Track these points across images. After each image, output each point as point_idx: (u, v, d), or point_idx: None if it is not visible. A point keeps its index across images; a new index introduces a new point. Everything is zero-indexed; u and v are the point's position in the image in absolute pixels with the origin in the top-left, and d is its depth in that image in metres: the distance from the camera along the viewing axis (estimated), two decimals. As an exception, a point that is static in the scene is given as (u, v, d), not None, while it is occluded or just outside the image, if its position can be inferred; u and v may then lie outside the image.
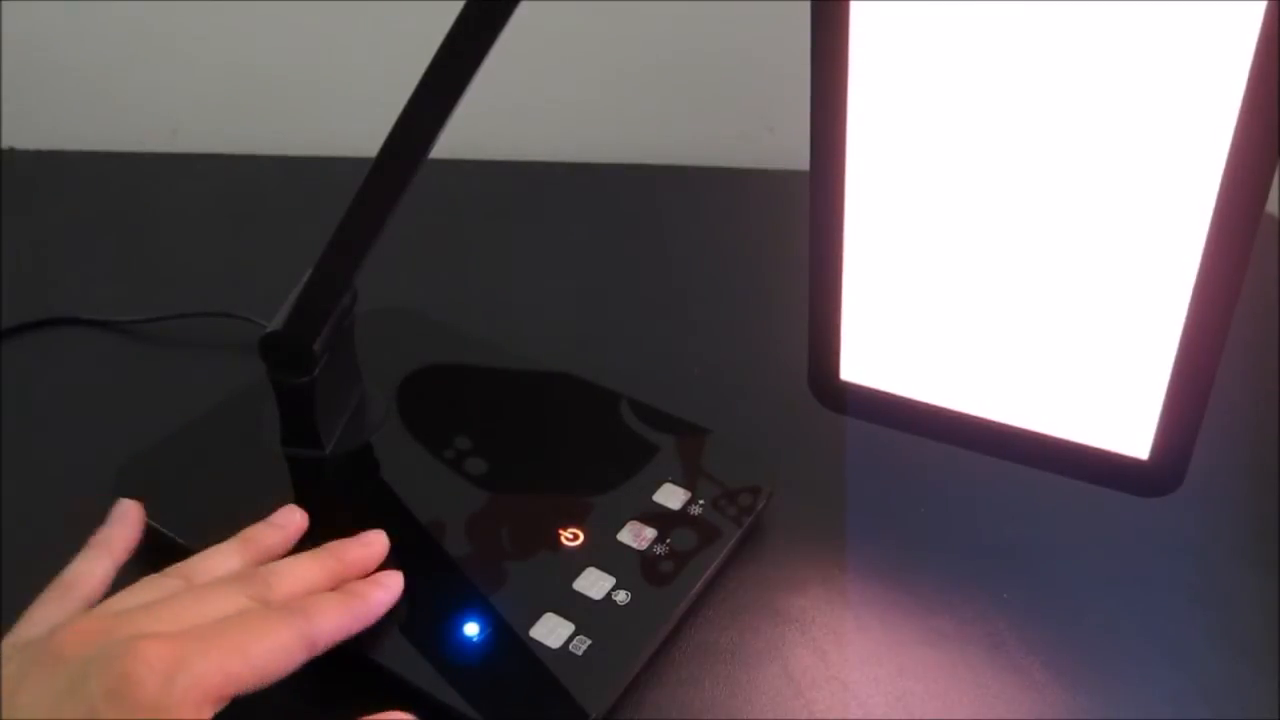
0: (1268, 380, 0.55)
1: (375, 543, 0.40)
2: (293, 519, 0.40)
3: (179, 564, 0.37)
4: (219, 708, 0.31)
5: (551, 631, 0.38)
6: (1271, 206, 0.44)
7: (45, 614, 0.34)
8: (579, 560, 0.41)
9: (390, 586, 0.38)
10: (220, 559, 0.37)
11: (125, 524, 0.39)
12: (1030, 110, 0.34)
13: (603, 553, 0.42)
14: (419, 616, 0.39)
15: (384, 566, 0.41)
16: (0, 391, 0.53)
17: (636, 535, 0.42)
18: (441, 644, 0.38)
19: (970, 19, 0.33)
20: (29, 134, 0.76)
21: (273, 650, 0.33)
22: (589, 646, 0.38)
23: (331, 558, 0.38)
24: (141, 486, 0.44)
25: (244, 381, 0.49)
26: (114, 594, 0.35)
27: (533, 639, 0.38)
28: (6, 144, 0.76)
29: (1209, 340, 0.35)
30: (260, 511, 0.42)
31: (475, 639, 0.38)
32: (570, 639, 0.38)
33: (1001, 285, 0.38)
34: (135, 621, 0.32)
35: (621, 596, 0.40)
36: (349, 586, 0.38)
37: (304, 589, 0.37)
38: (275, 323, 0.43)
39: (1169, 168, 0.33)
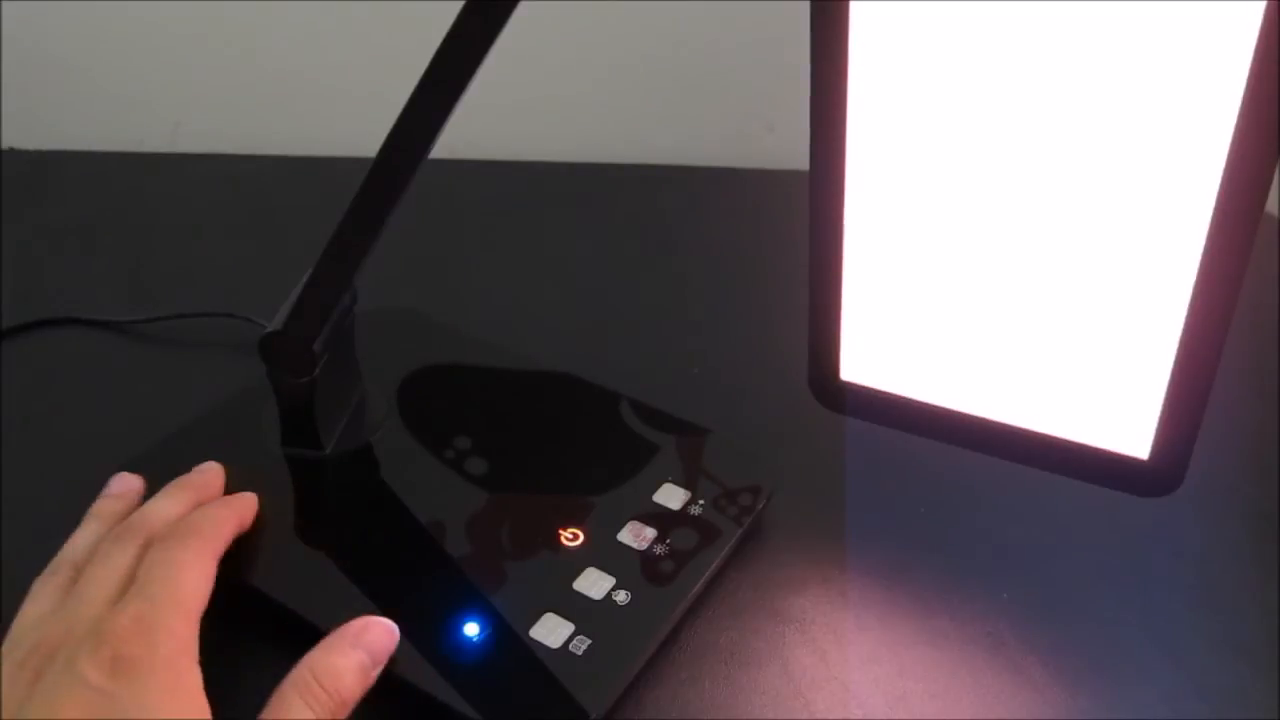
0: (1268, 380, 0.55)
1: (209, 469, 0.43)
2: (129, 484, 0.43)
3: (52, 562, 0.38)
4: (197, 643, 0.33)
5: (551, 631, 0.38)
6: (1271, 206, 0.44)
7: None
8: (579, 560, 0.41)
9: (247, 498, 0.42)
10: (85, 535, 0.39)
11: (125, 496, 0.42)
12: (1030, 110, 0.34)
13: (603, 553, 0.42)
14: (419, 616, 0.39)
15: (383, 567, 0.41)
16: (0, 391, 0.53)
17: (636, 535, 0.42)
18: (441, 644, 0.38)
19: (970, 19, 0.33)
20: (29, 134, 0.76)
21: (195, 571, 0.36)
22: (589, 646, 0.38)
23: (178, 488, 0.41)
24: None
25: (244, 381, 0.49)
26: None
27: (533, 639, 0.38)
28: (6, 144, 0.76)
29: (1209, 340, 0.35)
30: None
31: (475, 639, 0.38)
32: (570, 639, 0.38)
33: (1001, 285, 0.38)
34: (79, 616, 0.34)
35: (621, 596, 0.40)
36: (214, 500, 0.41)
37: (175, 519, 0.39)
38: (275, 323, 0.43)
39: (1169, 168, 0.33)
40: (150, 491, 0.42)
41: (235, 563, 0.39)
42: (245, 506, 0.41)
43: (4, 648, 0.34)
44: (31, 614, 0.35)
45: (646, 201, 0.73)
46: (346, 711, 0.34)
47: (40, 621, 0.34)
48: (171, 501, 0.40)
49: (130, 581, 0.35)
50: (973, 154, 0.35)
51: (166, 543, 0.37)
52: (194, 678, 0.32)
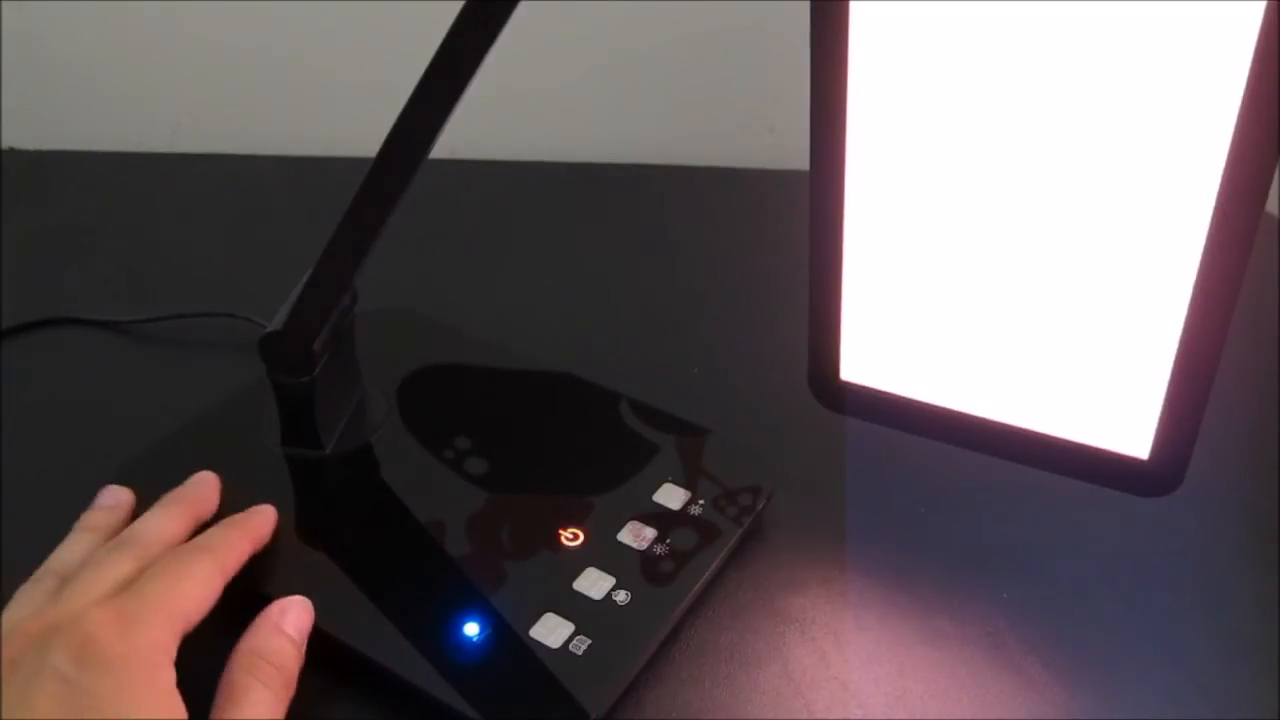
0: (1268, 380, 0.55)
1: (204, 481, 0.42)
2: (119, 497, 0.42)
3: (37, 571, 0.37)
4: (175, 650, 0.33)
5: (551, 631, 0.38)
6: (1271, 206, 0.44)
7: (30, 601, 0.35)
8: (579, 560, 0.41)
9: (265, 513, 0.41)
10: (75, 547, 0.39)
11: (116, 509, 0.41)
12: (1030, 110, 0.34)
13: (603, 553, 0.42)
14: (419, 616, 0.39)
15: (383, 567, 0.41)
16: (0, 391, 0.53)
17: (636, 535, 0.42)
18: (441, 644, 0.38)
19: (970, 19, 0.33)
20: (29, 134, 0.76)
21: (200, 582, 0.35)
22: (589, 646, 0.38)
23: (174, 503, 0.40)
24: (141, 486, 0.44)
25: (244, 381, 0.49)
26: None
27: (533, 639, 0.38)
28: (6, 144, 0.76)
29: (1209, 340, 0.35)
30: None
31: (475, 639, 0.38)
32: (570, 639, 0.38)
33: (1001, 285, 0.38)
34: (63, 611, 0.33)
35: (621, 596, 0.40)
36: (229, 518, 0.40)
37: (173, 538, 0.39)
38: (275, 323, 0.43)
39: (1169, 168, 0.33)
40: (145, 500, 0.42)
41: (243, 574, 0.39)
42: (261, 524, 0.41)
43: (17, 627, 0.33)
44: (12, 617, 0.34)
45: (646, 201, 0.73)
46: (293, 687, 0.35)
47: (21, 622, 0.34)
48: (168, 517, 0.40)
49: (123, 590, 0.35)
50: (973, 154, 0.35)
51: (175, 553, 0.37)
52: (167, 675, 0.32)
